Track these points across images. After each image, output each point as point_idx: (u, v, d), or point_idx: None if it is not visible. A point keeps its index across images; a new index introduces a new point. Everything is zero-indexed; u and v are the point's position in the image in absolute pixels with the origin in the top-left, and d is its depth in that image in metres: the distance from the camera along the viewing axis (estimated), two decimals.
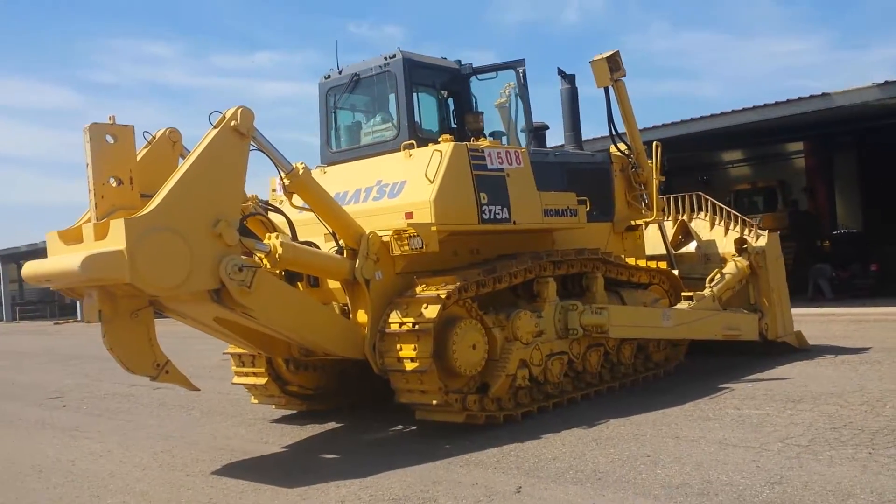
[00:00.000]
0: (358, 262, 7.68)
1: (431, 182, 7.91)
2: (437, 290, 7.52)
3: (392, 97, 8.88)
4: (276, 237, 7.28)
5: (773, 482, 5.49)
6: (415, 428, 8.08)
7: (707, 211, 12.17)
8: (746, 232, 11.57)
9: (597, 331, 8.75)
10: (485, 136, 9.21)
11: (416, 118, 8.93)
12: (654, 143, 11.18)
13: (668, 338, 9.84)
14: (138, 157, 7.45)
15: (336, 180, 9.02)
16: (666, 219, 12.63)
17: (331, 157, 9.49)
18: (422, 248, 7.64)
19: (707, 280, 10.68)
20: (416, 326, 7.30)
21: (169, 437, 8.70)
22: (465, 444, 7.19)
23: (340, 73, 9.36)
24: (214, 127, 6.91)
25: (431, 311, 7.35)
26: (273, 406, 9.25)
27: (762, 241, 11.33)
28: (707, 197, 12.25)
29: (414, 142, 8.47)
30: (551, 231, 9.38)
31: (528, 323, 8.24)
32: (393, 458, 6.95)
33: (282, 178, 7.48)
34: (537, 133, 10.90)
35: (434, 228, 7.75)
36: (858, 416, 7.27)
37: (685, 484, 5.60)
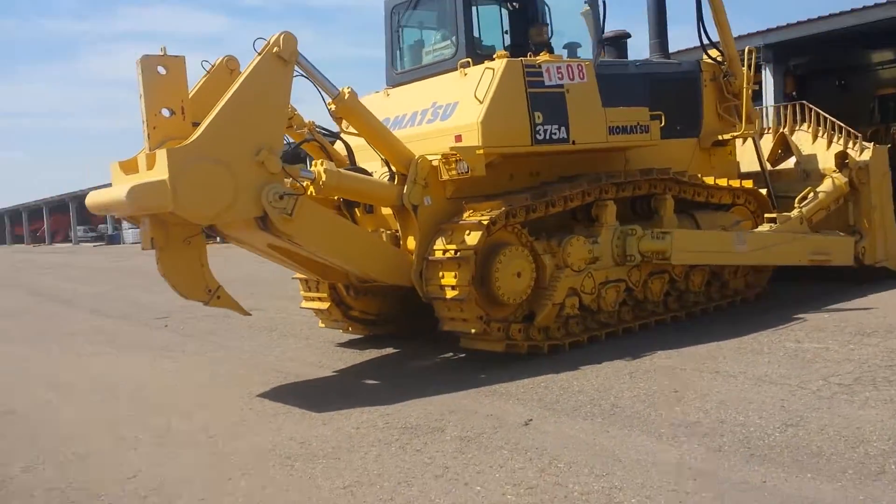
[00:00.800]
0: (406, 187, 7.71)
1: (481, 102, 7.75)
2: (482, 216, 7.48)
3: (451, 13, 8.64)
4: (322, 164, 7.40)
5: (788, 424, 5.26)
6: (463, 356, 8.17)
7: (810, 122, 11.32)
8: (850, 145, 10.73)
9: (658, 257, 8.46)
10: (550, 50, 8.87)
11: (476, 34, 8.69)
12: (747, 49, 10.41)
13: (742, 263, 9.39)
14: (198, 86, 7.74)
15: (398, 103, 9.01)
16: (766, 132, 11.90)
17: (395, 79, 9.43)
18: (467, 172, 7.58)
19: (796, 199, 10.04)
20: (458, 254, 7.30)
21: (238, 358, 9.19)
22: (502, 374, 7.21)
23: None
24: (258, 54, 7.01)
25: (473, 238, 7.32)
26: (340, 330, 9.59)
27: (866, 155, 10.48)
28: (811, 106, 11.36)
29: (470, 59, 8.25)
30: (622, 150, 9.02)
31: (581, 249, 8.08)
32: (427, 386, 7.08)
33: (328, 104, 7.55)
34: (617, 43, 10.44)
35: (480, 152, 7.63)
36: None
37: (696, 423, 5.47)
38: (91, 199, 7.33)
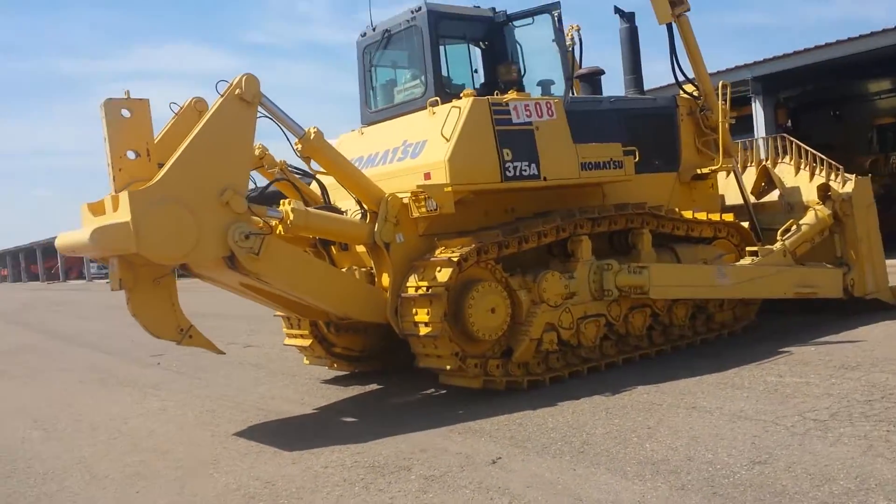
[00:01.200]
0: (377, 225, 7.65)
1: (448, 140, 7.73)
2: (452, 252, 7.40)
3: (420, 52, 8.66)
4: (290, 203, 7.36)
5: (756, 461, 5.12)
6: (444, 392, 8.06)
7: (792, 155, 11.27)
8: (833, 177, 10.65)
9: (636, 291, 8.36)
10: (520, 87, 8.87)
11: (445, 73, 8.70)
12: (721, 83, 10.42)
13: (724, 297, 9.27)
14: (167, 128, 7.73)
15: (371, 141, 9.00)
16: (750, 165, 11.85)
17: (369, 118, 9.44)
18: (436, 209, 7.52)
19: (779, 232, 9.95)
20: (430, 290, 7.23)
21: (223, 396, 9.10)
22: (479, 410, 7.11)
23: (374, 30, 9.23)
24: (221, 96, 7.01)
25: (444, 275, 7.25)
26: (325, 367, 9.47)
27: (848, 187, 10.40)
28: (791, 139, 11.33)
29: (438, 98, 8.27)
30: (595, 185, 8.96)
31: (557, 284, 7.98)
32: (403, 423, 6.99)
33: (294, 144, 7.52)
34: (591, 79, 10.45)
35: (448, 189, 7.60)
36: None
37: (663, 460, 5.32)
38: (59, 241, 7.30)
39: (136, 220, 6.41)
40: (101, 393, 10.13)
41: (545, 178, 8.26)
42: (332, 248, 8.38)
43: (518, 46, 9.35)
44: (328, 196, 8.30)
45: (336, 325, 8.82)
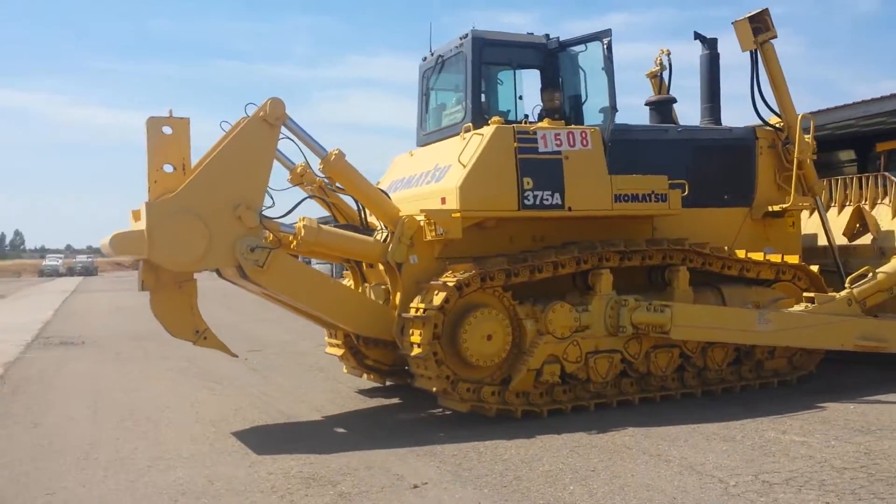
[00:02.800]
0: (391, 245, 7.95)
1: (464, 167, 7.90)
2: (454, 277, 7.57)
3: (463, 77, 8.83)
4: (302, 220, 7.82)
5: None
6: (449, 413, 8.15)
7: (891, 197, 10.38)
8: None
9: (655, 330, 8.10)
10: (562, 115, 8.84)
11: (484, 99, 8.82)
12: (802, 115, 9.77)
13: (764, 343, 8.71)
14: (216, 144, 8.43)
15: (416, 163, 9.29)
16: (849, 204, 11.02)
17: (421, 140, 9.71)
18: (443, 234, 7.72)
19: (848, 279, 9.22)
20: (424, 312, 7.44)
21: (263, 395, 9.65)
22: (460, 434, 7.21)
23: (432, 55, 9.52)
24: (246, 118, 7.60)
25: (439, 298, 7.42)
26: (360, 377, 9.85)
27: None
28: (893, 178, 10.43)
29: (471, 124, 8.43)
30: (631, 218, 8.72)
31: (566, 316, 7.89)
32: (380, 439, 7.20)
33: (319, 165, 7.97)
34: (662, 107, 10.19)
35: (456, 215, 7.76)
36: None
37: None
38: (101, 241, 8.15)
39: (151, 228, 7.10)
40: (166, 381, 10.95)
41: (570, 209, 8.20)
42: (364, 264, 8.77)
43: (581, 72, 9.28)
44: (364, 214, 8.70)
45: (366, 339, 9.16)
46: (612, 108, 8.83)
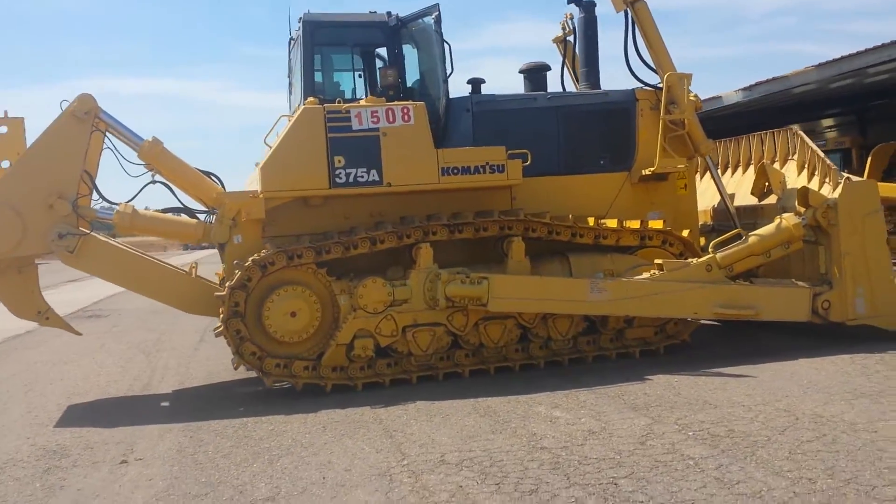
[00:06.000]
0: (214, 226, 8.26)
1: (270, 149, 8.06)
2: (257, 256, 7.78)
3: (297, 59, 8.93)
4: (124, 205, 8.22)
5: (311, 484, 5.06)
6: (288, 387, 8.19)
7: (797, 152, 9.68)
8: (826, 178, 9.03)
9: (473, 303, 8.01)
10: (398, 92, 8.80)
11: (320, 79, 8.89)
12: (679, 74, 9.22)
13: (599, 313, 8.41)
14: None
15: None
16: (740, 164, 10.42)
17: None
18: (247, 216, 7.95)
19: (711, 244, 8.72)
20: (225, 291, 7.73)
21: (164, 368, 10.24)
22: (258, 409, 7.45)
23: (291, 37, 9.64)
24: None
25: (238, 277, 7.69)
26: None
27: (837, 192, 8.73)
28: (800, 133, 9.69)
29: (299, 107, 8.55)
30: (463, 190, 8.58)
31: (377, 291, 7.95)
32: (182, 413, 7.57)
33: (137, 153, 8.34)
34: (535, 75, 9.92)
35: (257, 196, 7.96)
36: (633, 447, 5.79)
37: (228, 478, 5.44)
38: None
39: None
40: (112, 354, 11.58)
41: (389, 184, 8.21)
42: None
43: (423, 48, 9.18)
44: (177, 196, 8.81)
45: None
46: (444, 81, 8.71)
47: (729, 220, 9.61)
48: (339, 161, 8.07)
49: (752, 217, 9.70)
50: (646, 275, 8.43)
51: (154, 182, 9.03)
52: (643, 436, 5.80)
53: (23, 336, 14.10)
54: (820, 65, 18.91)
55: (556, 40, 10.91)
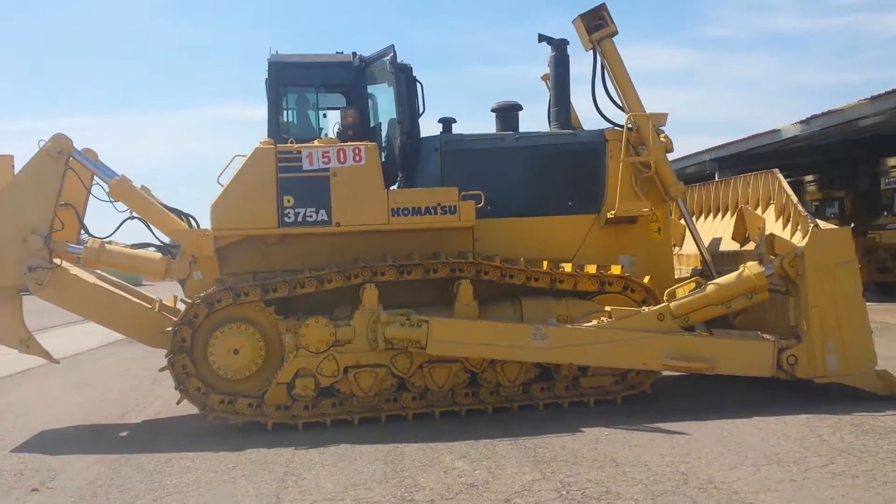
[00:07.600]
0: (175, 262, 8.61)
1: (221, 188, 8.36)
2: (203, 293, 8.07)
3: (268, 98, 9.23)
4: (91, 241, 8.66)
5: None
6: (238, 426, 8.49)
7: (774, 197, 9.36)
8: (798, 226, 8.69)
9: (412, 345, 8.06)
10: (357, 132, 8.97)
11: (287, 119, 9.16)
12: (641, 115, 9.09)
13: (539, 360, 8.29)
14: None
15: None
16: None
17: None
18: (196, 254, 8.27)
19: (666, 293, 8.50)
20: (175, 326, 8.04)
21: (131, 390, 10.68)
22: (199, 443, 7.68)
23: None
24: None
25: (186, 314, 8.00)
26: None
27: (805, 240, 8.38)
28: (778, 177, 9.35)
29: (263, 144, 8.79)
30: (414, 232, 8.61)
31: (320, 331, 8.08)
32: (137, 443, 7.91)
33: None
34: (506, 115, 9.92)
35: (206, 235, 8.27)
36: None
37: None
38: None
39: None
40: (125, 379, 12.21)
41: (338, 224, 8.35)
42: None
43: (384, 88, 9.36)
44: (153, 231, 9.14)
45: None
46: (399, 122, 8.83)
47: (725, 263, 9.36)
48: (289, 201, 8.27)
49: (734, 262, 9.38)
50: (594, 322, 8.29)
51: (132, 218, 9.49)
52: (516, 492, 5.73)
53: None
54: (873, 98, 18.47)
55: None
